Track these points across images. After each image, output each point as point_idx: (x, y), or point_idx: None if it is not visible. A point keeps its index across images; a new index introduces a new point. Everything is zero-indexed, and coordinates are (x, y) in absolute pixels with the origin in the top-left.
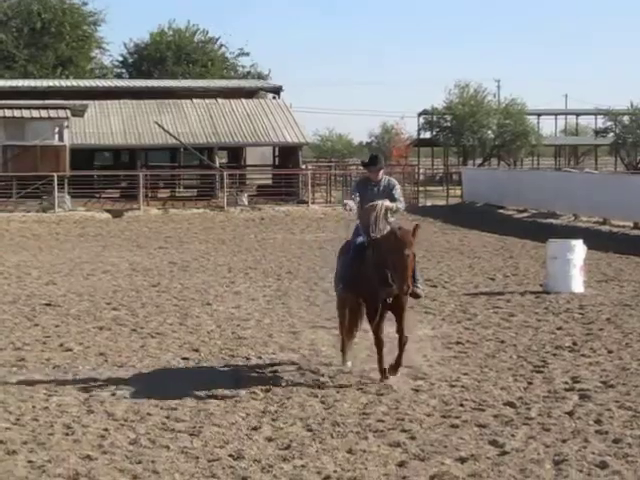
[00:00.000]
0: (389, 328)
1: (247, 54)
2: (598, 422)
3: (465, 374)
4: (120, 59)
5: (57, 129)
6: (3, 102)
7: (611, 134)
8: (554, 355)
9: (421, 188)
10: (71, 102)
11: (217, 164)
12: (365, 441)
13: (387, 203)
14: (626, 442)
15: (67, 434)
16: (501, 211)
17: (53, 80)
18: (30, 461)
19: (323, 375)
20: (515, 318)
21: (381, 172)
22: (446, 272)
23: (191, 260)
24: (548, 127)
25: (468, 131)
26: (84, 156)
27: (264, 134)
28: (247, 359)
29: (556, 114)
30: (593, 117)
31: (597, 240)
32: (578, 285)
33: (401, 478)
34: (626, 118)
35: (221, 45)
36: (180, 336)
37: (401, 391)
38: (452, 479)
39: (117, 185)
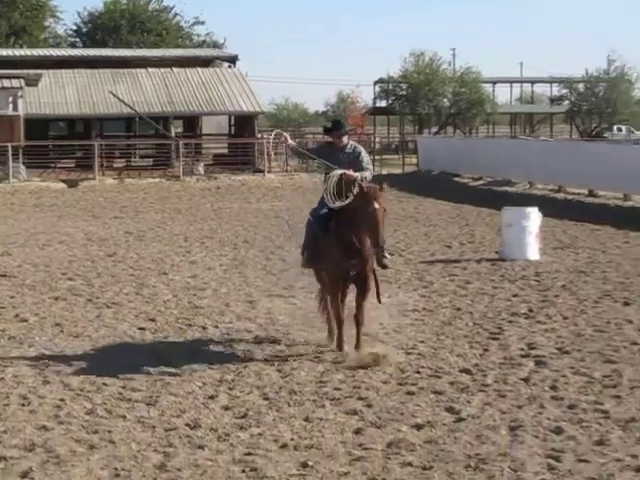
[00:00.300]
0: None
1: (202, 23)
2: (553, 388)
3: (421, 341)
4: (74, 28)
5: (11, 99)
6: None
7: (566, 102)
8: (510, 322)
9: (377, 157)
10: (25, 71)
11: (173, 133)
12: (322, 409)
13: (352, 173)
14: (581, 408)
15: (23, 405)
16: (457, 179)
17: (6, 49)
18: None
19: (280, 344)
20: (471, 285)
21: (345, 137)
22: (402, 240)
23: (147, 230)
24: (503, 95)
25: (424, 99)
26: (39, 126)
27: (220, 103)
28: (204, 328)
29: (511, 82)
30: (548, 85)
31: (552, 207)
32: (533, 252)
33: (358, 445)
34: (581, 86)
35: (176, 14)
36: (136, 306)
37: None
38: (408, 446)
39: (72, 155)
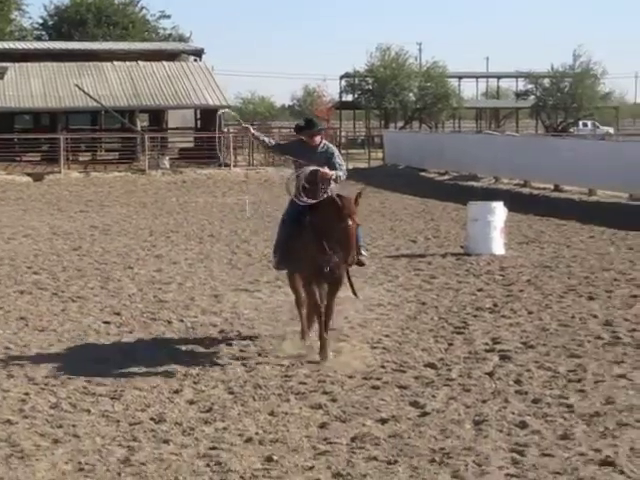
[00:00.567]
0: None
1: (168, 17)
2: (518, 382)
3: (386, 336)
4: (40, 21)
5: None
6: None
7: (532, 97)
8: (475, 316)
9: (343, 151)
10: None
11: (138, 127)
12: (287, 403)
13: (327, 171)
14: (545, 402)
15: None
16: (422, 174)
17: None
18: None
19: (245, 338)
20: (436, 280)
21: (318, 137)
22: (368, 234)
23: (112, 223)
24: (469, 90)
25: (390, 94)
26: (4, 119)
27: (185, 97)
28: (169, 322)
29: (477, 77)
30: (514, 80)
31: (518, 202)
32: (498, 247)
33: (322, 440)
34: (547, 81)
35: (142, 7)
36: (101, 300)
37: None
38: (373, 440)
39: (38, 148)
